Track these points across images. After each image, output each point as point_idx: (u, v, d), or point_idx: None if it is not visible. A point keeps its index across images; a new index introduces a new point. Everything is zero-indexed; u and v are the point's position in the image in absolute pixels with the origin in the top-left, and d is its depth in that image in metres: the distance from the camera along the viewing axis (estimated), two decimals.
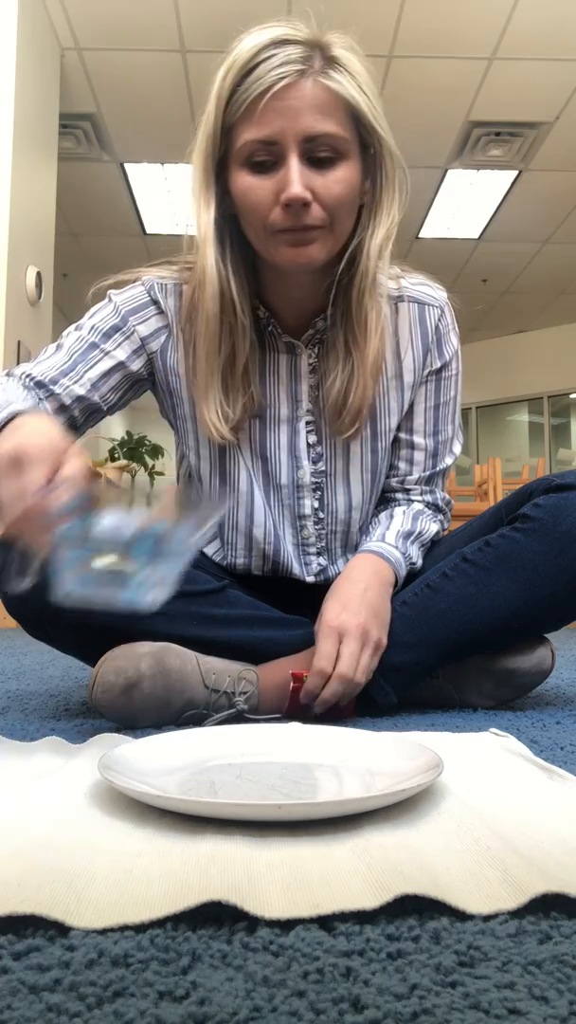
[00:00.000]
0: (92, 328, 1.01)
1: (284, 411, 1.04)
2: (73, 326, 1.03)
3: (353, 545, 1.09)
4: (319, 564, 1.07)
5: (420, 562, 1.06)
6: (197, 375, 0.98)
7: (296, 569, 1.06)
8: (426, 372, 1.06)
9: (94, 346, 1.00)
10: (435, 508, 1.11)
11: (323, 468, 1.05)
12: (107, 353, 1.00)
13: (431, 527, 1.08)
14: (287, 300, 1.01)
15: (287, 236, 0.89)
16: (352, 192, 0.90)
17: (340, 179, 0.88)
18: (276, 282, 0.99)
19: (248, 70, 0.86)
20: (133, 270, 1.05)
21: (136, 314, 1.02)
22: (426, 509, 1.09)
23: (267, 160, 0.88)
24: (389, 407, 1.04)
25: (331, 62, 0.88)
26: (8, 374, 0.97)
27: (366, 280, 0.96)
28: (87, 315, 1.03)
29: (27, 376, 0.96)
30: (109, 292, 1.04)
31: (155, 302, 1.02)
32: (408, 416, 1.07)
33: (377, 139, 0.92)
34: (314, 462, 1.05)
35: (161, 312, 1.02)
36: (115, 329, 1.01)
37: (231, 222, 0.95)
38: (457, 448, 1.11)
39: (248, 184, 0.89)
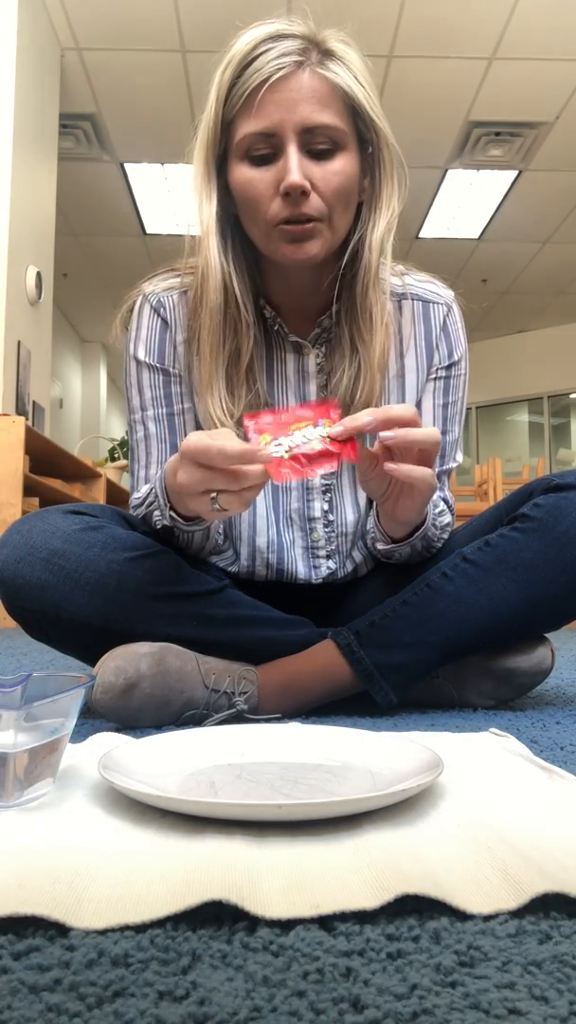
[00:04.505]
0: (153, 400, 1.02)
1: None
2: (137, 409, 1.04)
3: (360, 547, 1.09)
4: (328, 568, 1.07)
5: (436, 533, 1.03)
6: (201, 370, 0.98)
7: (302, 573, 1.06)
8: (434, 370, 1.06)
9: (172, 416, 1.02)
10: (443, 502, 1.10)
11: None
12: (184, 410, 1.03)
13: (445, 518, 1.07)
14: (291, 298, 1.01)
15: (286, 232, 0.90)
16: (350, 184, 0.91)
17: (338, 170, 0.89)
18: (279, 280, 1.00)
19: (246, 64, 0.88)
20: (136, 285, 1.06)
21: (163, 351, 1.03)
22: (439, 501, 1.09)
23: (267, 153, 0.89)
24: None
25: (328, 55, 0.89)
26: (138, 504, 0.98)
27: (369, 274, 0.96)
28: (134, 386, 1.04)
29: (154, 493, 0.95)
30: (129, 348, 1.04)
31: (163, 320, 1.03)
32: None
33: (374, 131, 0.92)
34: None
35: (169, 327, 1.03)
36: (166, 384, 1.03)
37: (233, 221, 0.95)
38: (460, 456, 1.11)
39: (248, 177, 0.90)
